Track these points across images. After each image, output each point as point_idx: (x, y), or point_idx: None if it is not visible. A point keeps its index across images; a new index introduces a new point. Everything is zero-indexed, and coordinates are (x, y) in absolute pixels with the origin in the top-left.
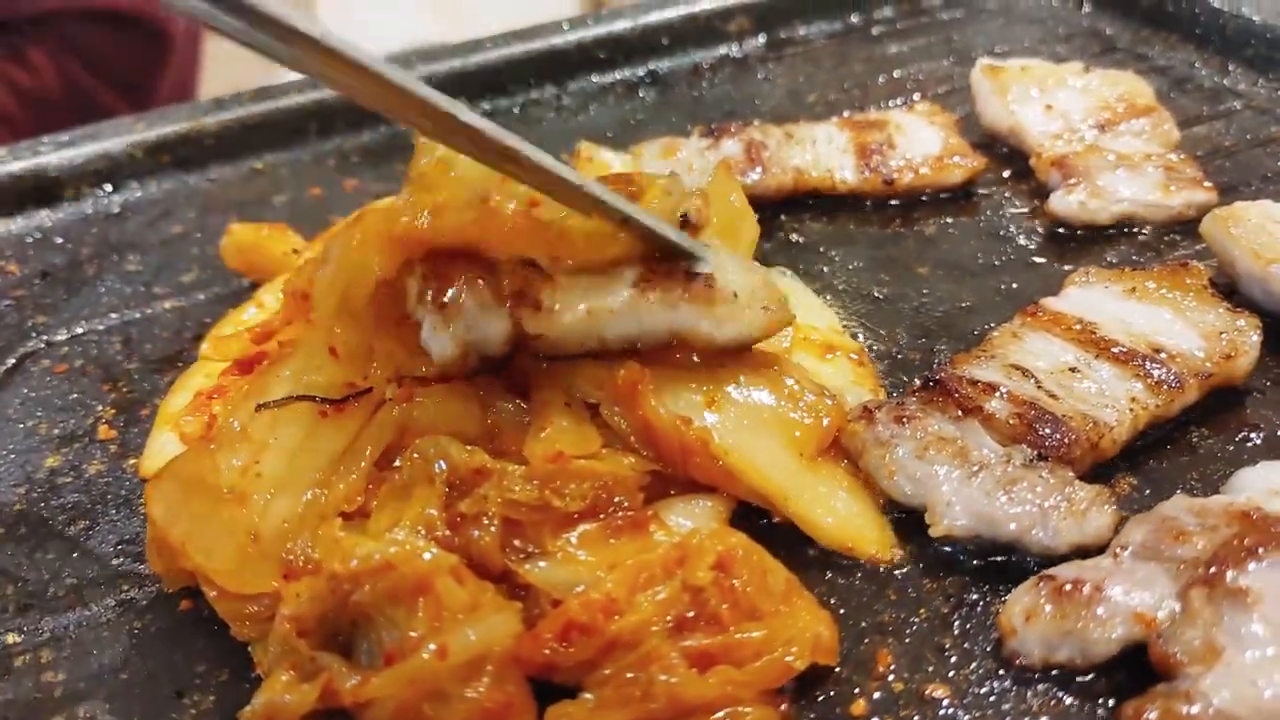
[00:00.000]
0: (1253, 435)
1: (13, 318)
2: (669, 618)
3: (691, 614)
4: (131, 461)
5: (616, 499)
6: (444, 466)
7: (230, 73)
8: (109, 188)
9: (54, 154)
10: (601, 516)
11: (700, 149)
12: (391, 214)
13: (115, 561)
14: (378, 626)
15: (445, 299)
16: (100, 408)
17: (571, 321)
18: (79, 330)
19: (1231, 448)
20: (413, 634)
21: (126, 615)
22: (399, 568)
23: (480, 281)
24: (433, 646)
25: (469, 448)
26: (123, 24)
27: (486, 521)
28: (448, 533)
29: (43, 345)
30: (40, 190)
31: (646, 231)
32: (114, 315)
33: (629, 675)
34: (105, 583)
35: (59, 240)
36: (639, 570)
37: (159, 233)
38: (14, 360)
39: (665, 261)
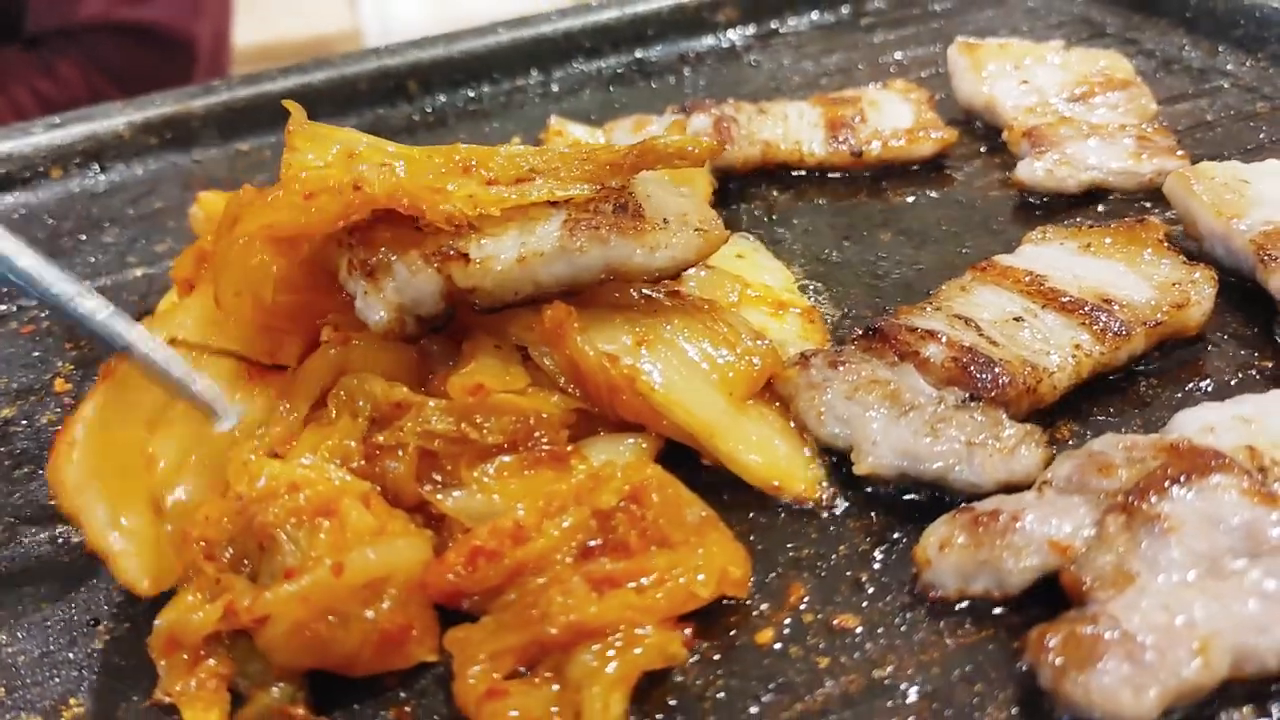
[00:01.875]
0: (1203, 385)
1: None
2: (574, 544)
3: (599, 541)
4: None
5: (538, 434)
6: (367, 402)
7: None
8: (97, 167)
9: (44, 135)
10: (522, 451)
11: (670, 123)
12: (269, 211)
13: (53, 502)
14: (281, 548)
15: (372, 265)
16: (60, 364)
17: (503, 270)
18: None
19: (1180, 396)
20: (314, 555)
21: (57, 551)
22: (304, 488)
23: (405, 243)
24: (329, 563)
25: (393, 384)
26: (147, 37)
27: (402, 453)
28: (364, 463)
29: (14, 309)
30: (30, 169)
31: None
32: (85, 283)
33: (530, 599)
34: (41, 522)
35: (44, 216)
36: (550, 499)
37: (140, 208)
38: None
39: (592, 200)
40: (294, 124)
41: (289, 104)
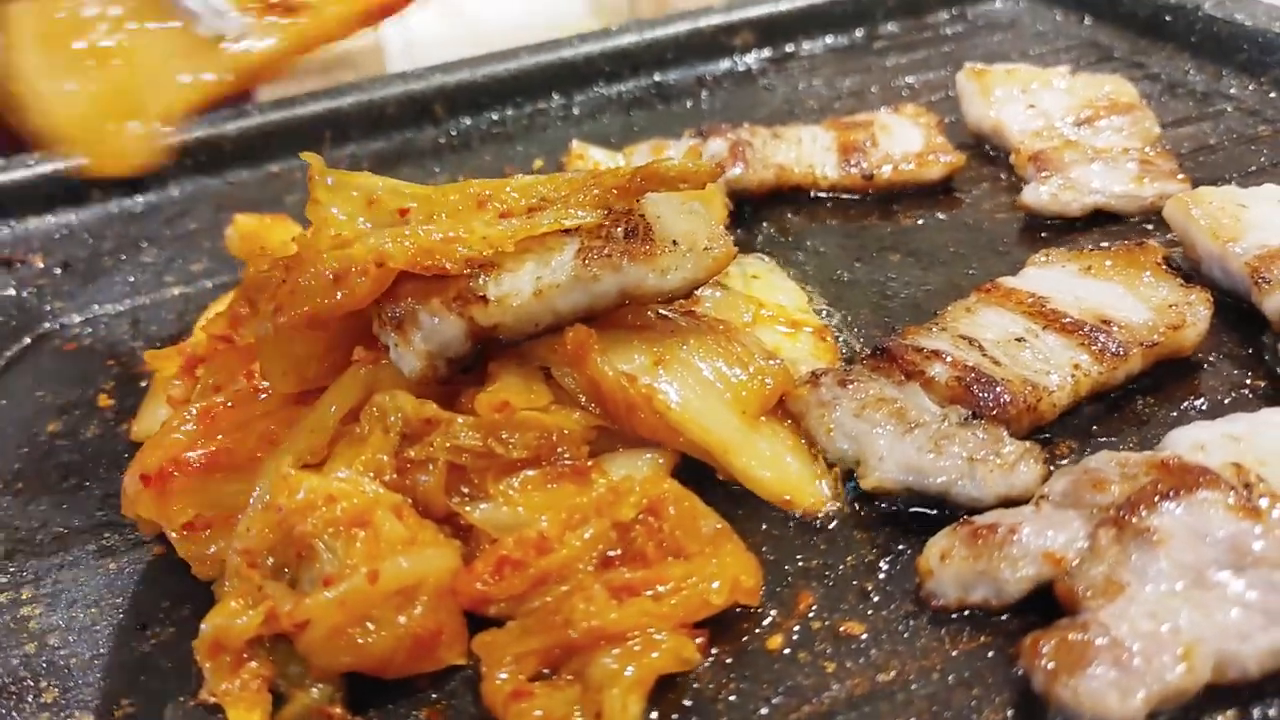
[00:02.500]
0: (1197, 403)
1: (33, 304)
2: (595, 554)
3: (618, 551)
4: (124, 426)
5: (560, 450)
6: (398, 417)
7: None
8: (134, 189)
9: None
10: (545, 465)
11: (688, 148)
12: (303, 298)
13: (99, 513)
14: (319, 557)
15: (399, 318)
16: (103, 380)
17: (521, 305)
18: (91, 314)
19: (1175, 414)
20: (350, 563)
21: (104, 560)
22: (340, 501)
23: (428, 291)
24: (364, 571)
25: (423, 400)
26: None
27: (432, 467)
28: (395, 476)
29: (57, 327)
30: (70, 190)
31: None
32: (125, 301)
33: (554, 605)
34: (88, 531)
35: (84, 235)
36: (572, 511)
37: (176, 229)
38: (30, 340)
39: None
40: (314, 177)
41: (307, 156)
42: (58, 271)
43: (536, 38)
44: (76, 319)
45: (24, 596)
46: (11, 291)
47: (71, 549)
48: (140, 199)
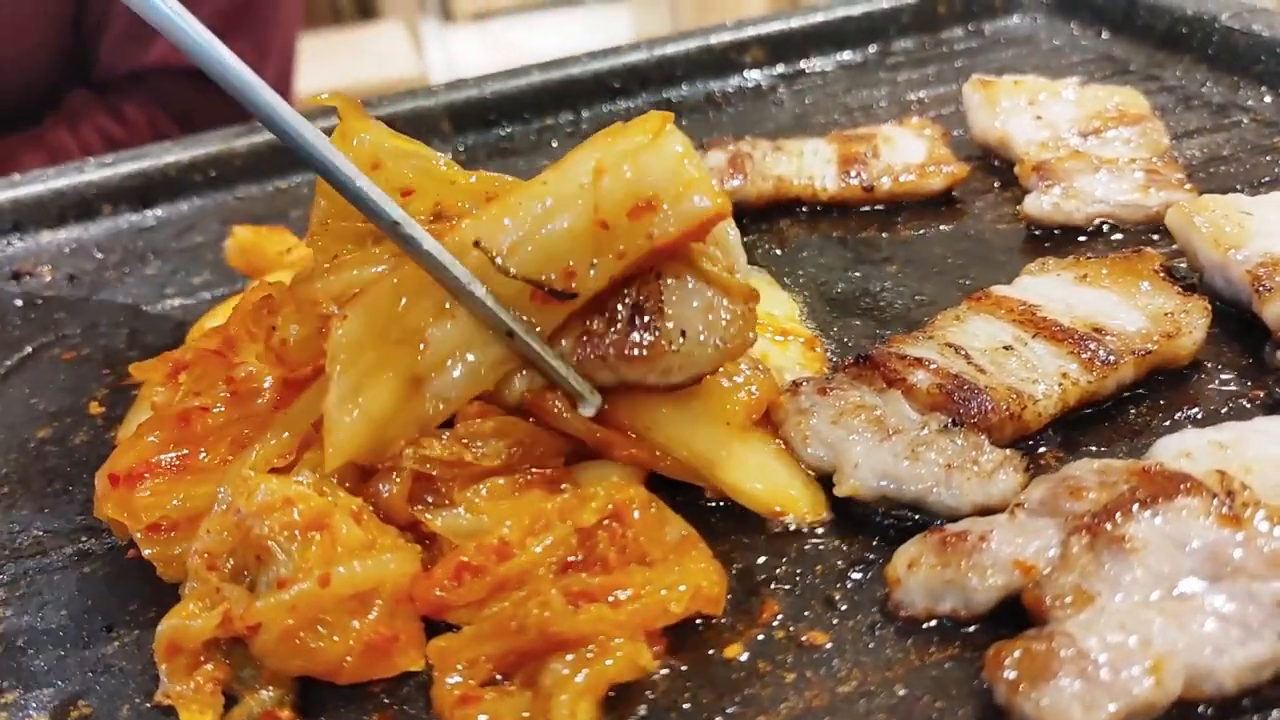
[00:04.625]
0: (1192, 413)
1: (37, 314)
2: (554, 559)
3: (579, 557)
4: (112, 433)
5: (537, 454)
6: None
7: None
8: (145, 204)
9: (95, 172)
10: (515, 474)
11: None
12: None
13: (79, 518)
14: (275, 559)
15: None
16: (96, 388)
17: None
18: (91, 324)
19: (1168, 424)
20: (304, 567)
21: (79, 563)
22: (297, 503)
23: None
24: (317, 574)
25: None
26: (209, 80)
27: (397, 476)
28: (360, 483)
29: (58, 337)
30: (82, 205)
31: (534, 355)
32: (125, 312)
33: (509, 611)
34: (66, 535)
35: (93, 249)
36: (535, 517)
37: (181, 242)
38: (30, 349)
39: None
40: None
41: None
42: (64, 284)
43: None
44: (77, 329)
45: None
46: (19, 302)
47: (49, 553)
48: (150, 213)
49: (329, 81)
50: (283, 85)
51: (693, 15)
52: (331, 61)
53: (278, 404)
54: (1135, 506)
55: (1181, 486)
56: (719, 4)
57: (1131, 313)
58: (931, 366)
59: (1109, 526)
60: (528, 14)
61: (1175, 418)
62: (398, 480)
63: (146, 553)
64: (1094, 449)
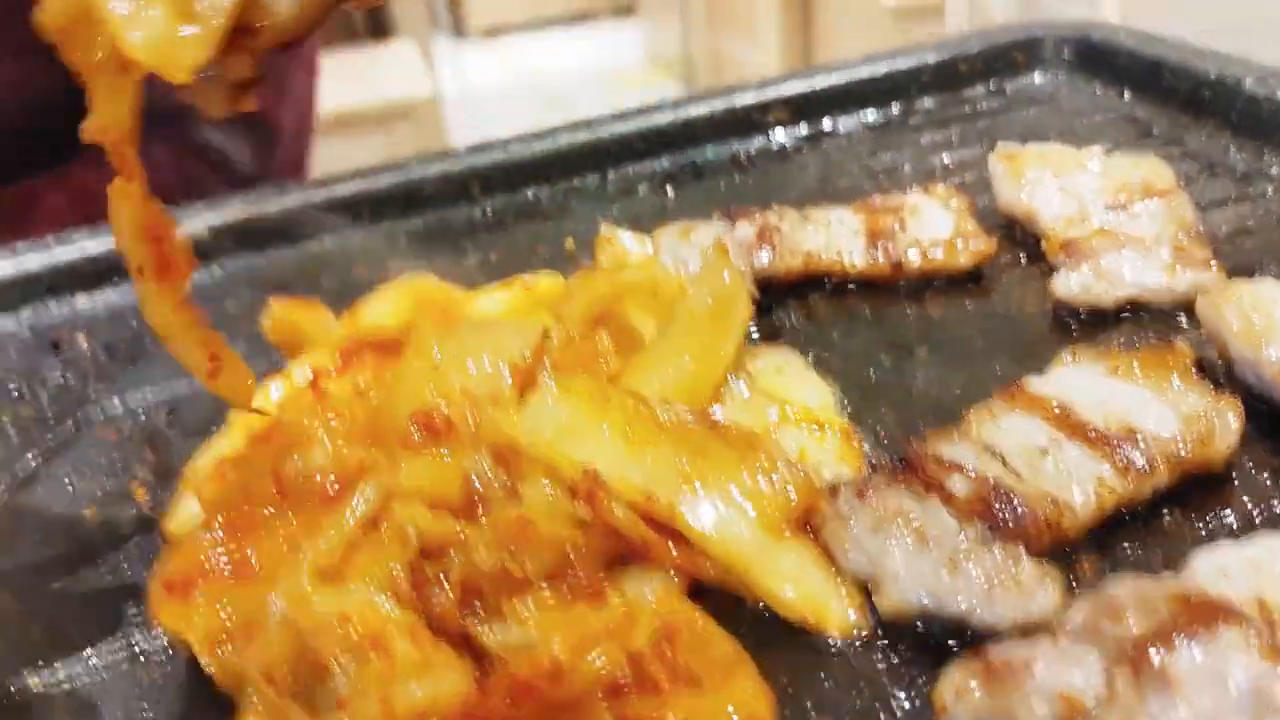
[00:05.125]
0: (1226, 518)
1: (77, 386)
2: (607, 681)
3: (631, 679)
4: (158, 516)
5: (575, 568)
6: (415, 531)
7: (335, 166)
8: None
9: None
10: (560, 583)
11: (716, 232)
12: None
13: (131, 613)
14: (334, 677)
15: None
16: (139, 470)
17: None
18: (131, 398)
19: (1204, 531)
20: (363, 687)
21: (131, 665)
22: (354, 620)
23: None
24: (377, 696)
25: (439, 513)
26: (235, 119)
27: (447, 584)
28: (410, 592)
29: (98, 413)
30: (118, 269)
31: None
32: (164, 388)
33: None
34: (116, 632)
35: (129, 317)
36: (584, 635)
37: (216, 312)
38: (72, 424)
39: None
40: None
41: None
42: (102, 355)
43: (592, 86)
44: (117, 403)
45: (57, 705)
46: (58, 373)
47: (103, 654)
48: None
49: (343, 99)
50: (303, 124)
51: (705, 34)
52: (345, 79)
53: (325, 499)
54: (1177, 636)
55: (1221, 618)
56: (730, 22)
57: (1164, 411)
58: (970, 472)
59: (1152, 657)
60: (540, 31)
61: (1209, 522)
62: (448, 589)
63: (204, 662)
64: (1129, 555)
